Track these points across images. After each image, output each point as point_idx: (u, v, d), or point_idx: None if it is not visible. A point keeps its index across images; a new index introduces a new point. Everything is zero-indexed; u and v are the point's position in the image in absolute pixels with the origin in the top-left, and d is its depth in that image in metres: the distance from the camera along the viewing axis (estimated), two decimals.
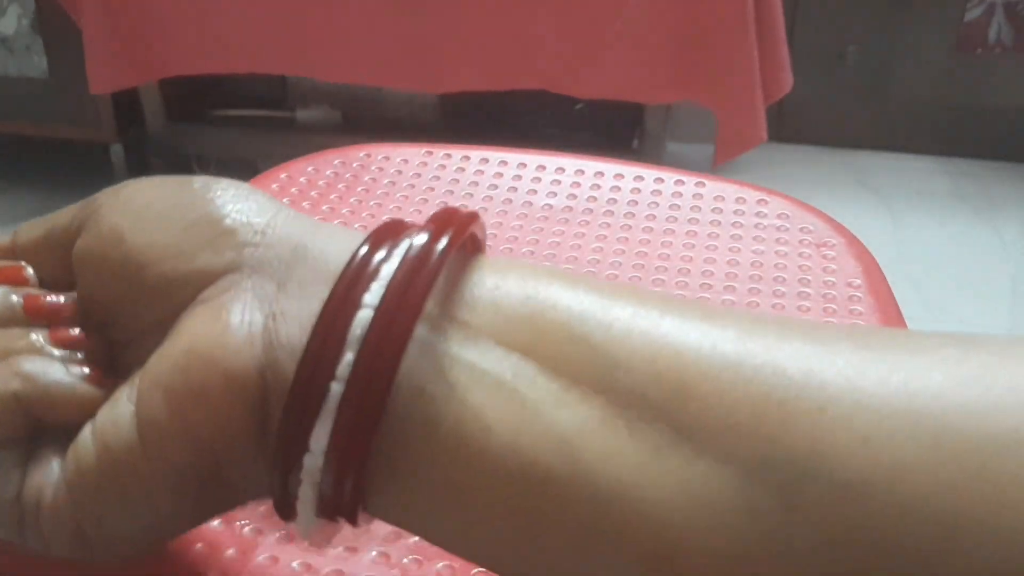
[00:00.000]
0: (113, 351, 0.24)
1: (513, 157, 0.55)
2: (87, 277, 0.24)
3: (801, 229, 0.48)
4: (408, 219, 0.26)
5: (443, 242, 0.21)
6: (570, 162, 0.54)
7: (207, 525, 0.31)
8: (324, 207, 0.50)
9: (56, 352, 0.24)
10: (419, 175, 0.54)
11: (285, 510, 0.21)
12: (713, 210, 0.50)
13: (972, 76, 1.86)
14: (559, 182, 0.53)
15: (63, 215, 0.26)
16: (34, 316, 0.25)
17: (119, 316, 0.24)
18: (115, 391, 0.23)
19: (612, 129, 1.68)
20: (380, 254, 0.21)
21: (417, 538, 0.31)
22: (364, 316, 0.20)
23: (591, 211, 0.50)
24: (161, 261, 0.23)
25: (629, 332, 0.20)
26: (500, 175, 0.54)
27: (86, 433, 0.22)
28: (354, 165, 0.54)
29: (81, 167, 1.74)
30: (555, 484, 0.18)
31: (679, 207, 0.50)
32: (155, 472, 0.21)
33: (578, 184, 0.53)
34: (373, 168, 0.54)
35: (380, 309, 0.20)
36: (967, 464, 0.16)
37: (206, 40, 1.43)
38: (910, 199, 1.79)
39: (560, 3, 1.34)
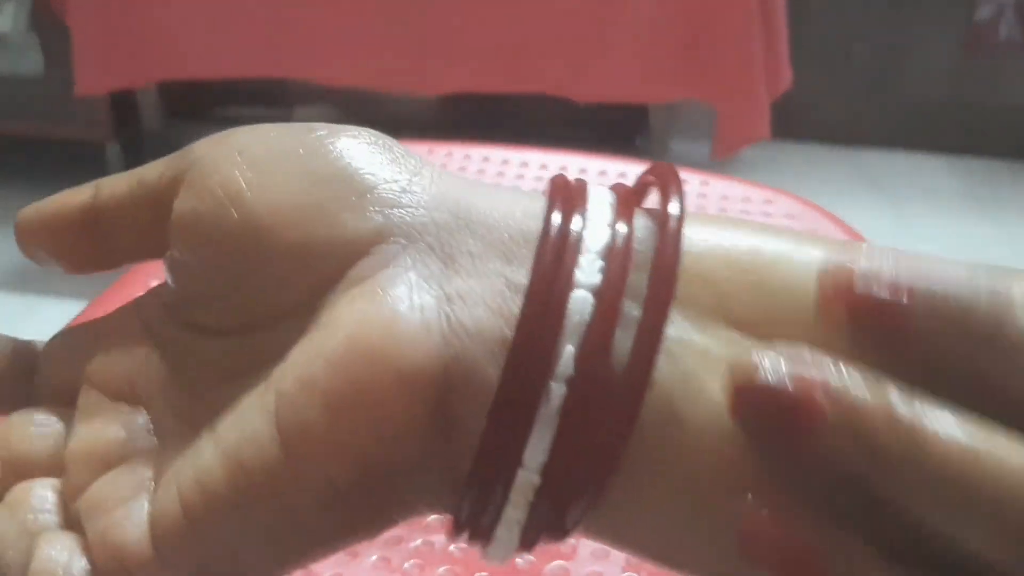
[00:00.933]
0: (206, 343, 0.20)
1: (515, 155, 0.55)
2: (190, 246, 0.19)
3: (808, 229, 0.48)
4: None
5: (675, 205, 0.18)
6: (573, 160, 0.54)
7: None
8: None
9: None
10: None
11: (478, 533, 0.18)
12: (719, 209, 0.49)
13: (981, 75, 1.86)
14: None
15: (150, 169, 0.21)
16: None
17: (232, 295, 0.19)
18: (240, 397, 0.18)
19: (615, 127, 1.67)
20: (577, 221, 0.18)
21: (420, 541, 0.30)
22: (581, 298, 0.16)
23: None
24: (293, 226, 0.18)
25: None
26: (502, 174, 0.53)
27: (207, 449, 0.18)
28: None
29: (77, 166, 1.74)
30: None
31: None
32: (304, 491, 0.17)
33: None
34: None
35: (602, 289, 0.17)
36: None
37: (199, 44, 1.42)
38: (918, 198, 1.78)
39: (560, 6, 1.33)
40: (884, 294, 0.16)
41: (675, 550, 0.18)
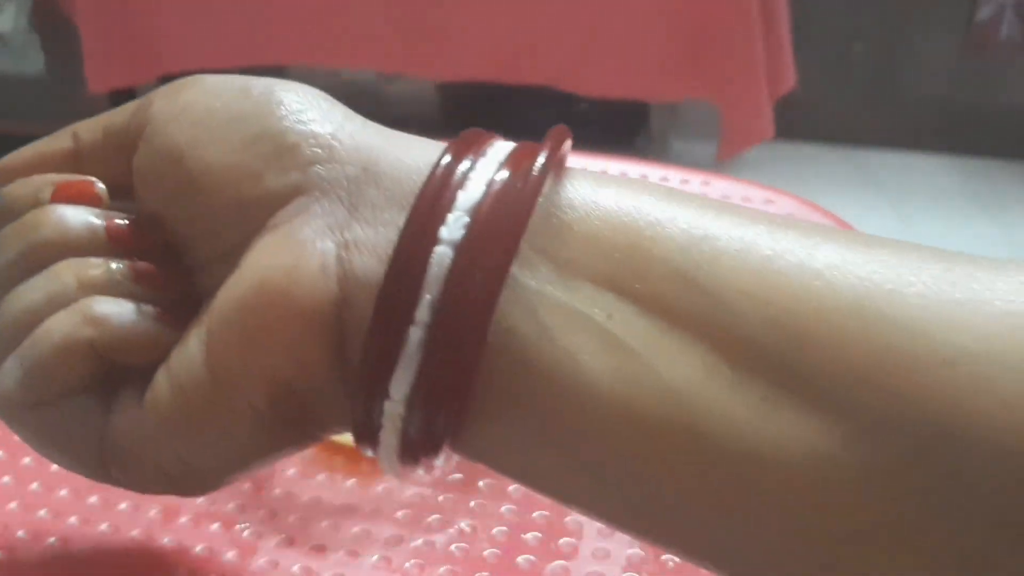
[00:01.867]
0: (181, 276, 0.23)
1: None
2: (149, 196, 0.23)
3: None
4: None
5: (539, 161, 0.19)
6: (573, 160, 0.54)
7: (206, 528, 0.31)
8: None
9: (130, 286, 0.23)
10: None
11: (369, 448, 0.21)
12: None
13: (982, 75, 1.85)
14: None
15: (119, 115, 0.24)
16: (116, 243, 0.23)
17: (184, 239, 0.22)
18: (188, 329, 0.22)
19: (616, 127, 1.67)
20: (463, 169, 0.20)
21: (421, 541, 0.30)
22: (442, 253, 0.18)
23: None
24: (226, 185, 0.21)
25: (738, 268, 0.18)
26: None
27: (160, 375, 0.21)
28: None
29: None
30: (665, 437, 0.18)
31: None
32: (231, 409, 0.21)
33: None
34: None
35: (462, 245, 0.18)
36: None
37: (205, 33, 1.42)
38: (918, 198, 1.78)
39: None
40: None
41: (532, 477, 0.20)
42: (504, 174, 0.19)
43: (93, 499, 0.32)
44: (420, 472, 0.21)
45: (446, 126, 1.64)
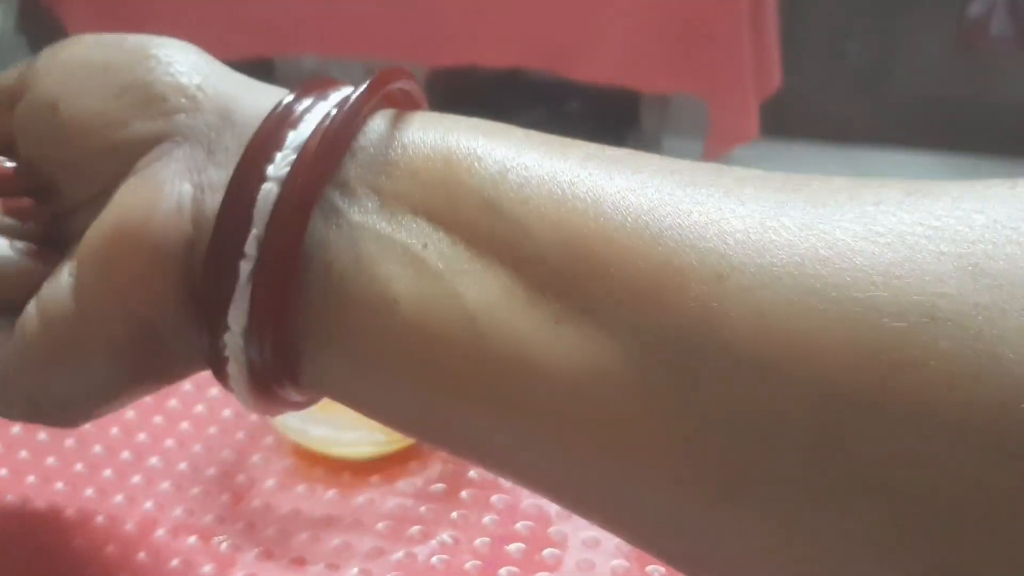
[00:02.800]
0: (57, 221, 0.24)
1: None
2: (27, 144, 0.24)
3: None
4: None
5: (359, 93, 0.21)
6: None
7: (183, 541, 0.30)
8: None
9: (5, 220, 0.24)
10: None
11: (222, 382, 0.22)
12: None
13: (973, 71, 1.85)
14: None
15: (9, 74, 0.26)
16: None
17: (60, 185, 0.24)
18: (59, 264, 0.23)
19: (607, 124, 1.67)
20: (300, 109, 0.21)
21: (402, 554, 0.30)
22: (268, 189, 0.20)
23: None
24: (95, 131, 0.22)
25: (540, 195, 0.19)
26: None
27: (31, 306, 0.23)
28: None
29: None
30: (457, 357, 0.18)
31: None
32: (93, 340, 0.22)
33: None
34: None
35: (286, 181, 0.20)
36: (866, 343, 0.15)
37: (195, 31, 1.42)
38: None
39: None
40: None
41: (364, 404, 0.21)
42: (334, 112, 0.20)
43: (69, 512, 0.31)
44: (279, 406, 0.22)
45: None
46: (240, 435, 0.35)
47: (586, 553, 0.30)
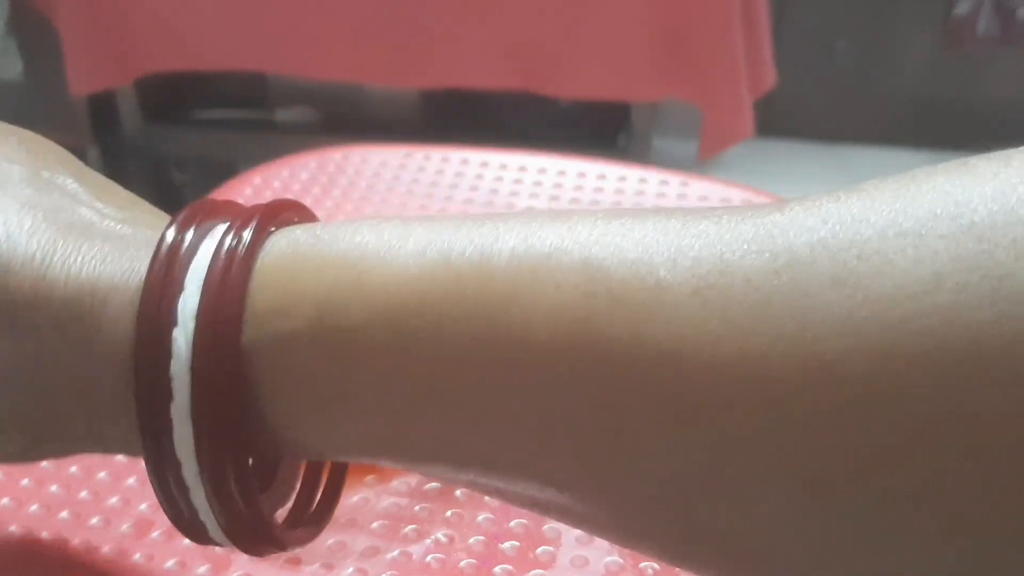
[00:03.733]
0: None
1: (494, 158, 0.54)
2: None
3: None
4: None
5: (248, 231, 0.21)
6: (552, 162, 0.54)
7: (179, 542, 0.30)
8: None
9: None
10: (398, 177, 0.53)
11: (196, 537, 0.22)
12: None
13: (961, 70, 1.86)
14: (541, 183, 0.52)
15: None
16: None
17: None
18: None
19: (597, 126, 1.67)
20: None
21: (397, 552, 0.30)
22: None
23: None
24: None
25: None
26: (481, 177, 0.53)
27: None
28: (330, 168, 0.54)
29: None
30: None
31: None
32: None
33: (560, 185, 0.52)
34: (350, 171, 0.53)
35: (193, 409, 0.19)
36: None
37: (186, 35, 1.42)
38: None
39: (539, 1, 1.33)
40: None
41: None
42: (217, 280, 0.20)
43: (64, 514, 0.31)
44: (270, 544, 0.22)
45: (428, 127, 1.64)
46: None
47: (580, 550, 0.30)
